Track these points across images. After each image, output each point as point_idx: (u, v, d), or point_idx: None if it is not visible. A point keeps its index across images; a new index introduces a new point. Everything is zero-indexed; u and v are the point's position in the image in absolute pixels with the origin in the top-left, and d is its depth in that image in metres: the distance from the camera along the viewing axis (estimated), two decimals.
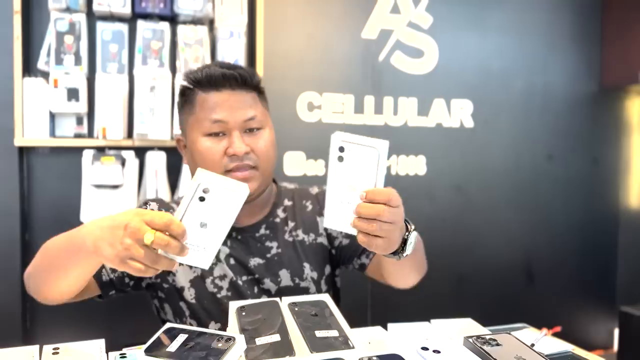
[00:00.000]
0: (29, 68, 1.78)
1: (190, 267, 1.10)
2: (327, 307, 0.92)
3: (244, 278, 1.12)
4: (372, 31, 2.19)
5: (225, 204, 0.70)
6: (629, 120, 2.64)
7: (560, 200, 2.53)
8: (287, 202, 1.21)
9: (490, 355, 0.75)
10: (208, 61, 1.87)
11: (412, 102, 2.25)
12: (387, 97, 2.22)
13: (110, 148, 1.81)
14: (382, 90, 2.22)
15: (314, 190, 1.25)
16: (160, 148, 1.85)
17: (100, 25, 1.80)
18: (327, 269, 1.19)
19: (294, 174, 2.09)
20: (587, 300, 2.62)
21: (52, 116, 1.79)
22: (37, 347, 0.83)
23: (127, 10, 1.77)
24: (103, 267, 1.05)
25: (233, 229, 1.13)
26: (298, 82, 2.10)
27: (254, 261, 1.13)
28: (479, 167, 2.38)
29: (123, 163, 1.79)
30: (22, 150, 1.80)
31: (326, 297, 0.96)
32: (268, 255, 1.13)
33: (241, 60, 1.89)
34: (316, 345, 0.79)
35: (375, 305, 2.22)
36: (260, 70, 1.94)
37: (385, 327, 0.96)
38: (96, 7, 1.75)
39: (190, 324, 1.11)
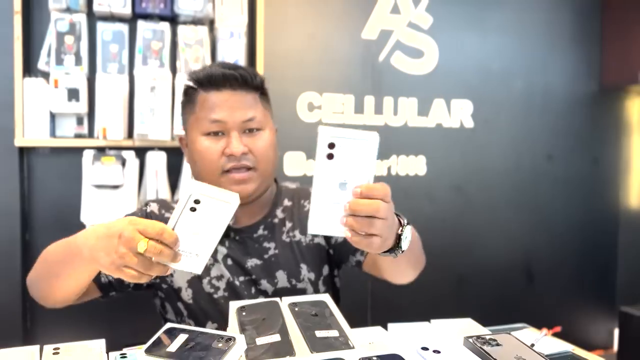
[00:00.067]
0: (30, 68, 1.78)
1: None
2: (327, 307, 0.92)
3: (241, 279, 1.12)
4: (372, 31, 2.20)
5: (216, 214, 0.72)
6: (629, 120, 2.64)
7: (560, 201, 2.53)
8: (286, 202, 1.20)
9: (490, 356, 0.75)
10: (208, 61, 1.87)
11: (412, 102, 2.25)
12: (387, 97, 2.22)
13: (111, 148, 1.81)
14: (382, 90, 2.22)
15: None
16: (161, 148, 1.85)
17: (100, 26, 1.80)
18: (325, 270, 1.18)
19: (294, 174, 2.10)
20: (587, 300, 2.62)
21: (53, 116, 1.79)
22: (37, 347, 0.83)
23: (127, 11, 1.77)
24: None
25: (231, 229, 1.13)
26: (298, 82, 2.11)
27: (252, 262, 1.12)
28: (478, 167, 2.38)
29: (123, 163, 1.79)
30: (23, 151, 1.80)
31: (326, 297, 0.96)
32: (265, 256, 1.13)
33: (241, 61, 1.89)
34: (316, 345, 0.79)
35: (376, 305, 2.22)
36: (260, 70, 1.94)
37: (385, 327, 0.97)
38: (96, 8, 1.75)
39: (189, 324, 1.11)
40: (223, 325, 1.04)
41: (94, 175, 1.76)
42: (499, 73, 2.39)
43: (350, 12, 2.16)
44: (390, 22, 2.21)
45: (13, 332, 1.79)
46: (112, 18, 1.82)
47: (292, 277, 1.13)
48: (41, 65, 1.78)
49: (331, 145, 0.71)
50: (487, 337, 0.82)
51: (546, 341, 0.98)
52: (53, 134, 1.80)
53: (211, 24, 1.91)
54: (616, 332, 2.53)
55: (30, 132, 1.75)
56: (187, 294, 1.11)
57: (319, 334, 0.82)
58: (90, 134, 1.84)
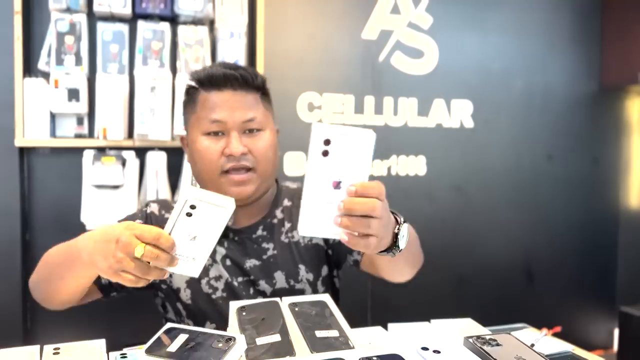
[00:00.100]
0: (30, 68, 1.78)
1: None
2: (327, 307, 0.92)
3: (240, 279, 1.11)
4: (372, 31, 2.20)
5: (212, 218, 0.72)
6: (629, 120, 2.64)
7: (560, 201, 2.53)
8: (286, 203, 1.20)
9: (490, 356, 0.75)
10: (208, 62, 1.87)
11: (412, 102, 2.26)
12: (387, 98, 2.22)
13: (111, 148, 1.81)
14: (382, 90, 2.22)
15: None
16: (161, 148, 1.85)
17: (100, 26, 1.80)
18: (324, 270, 1.17)
19: (294, 174, 2.10)
20: (587, 300, 2.62)
21: (53, 116, 1.80)
22: (37, 347, 0.83)
23: (127, 11, 1.77)
24: None
25: (230, 230, 1.13)
26: (298, 83, 2.11)
27: (250, 262, 1.12)
28: (478, 168, 2.38)
29: (123, 163, 1.79)
30: (23, 151, 1.80)
31: (326, 297, 0.96)
32: (264, 257, 1.13)
33: (241, 61, 1.90)
34: (316, 345, 0.79)
35: (376, 305, 2.22)
36: (260, 70, 1.94)
37: (385, 327, 0.97)
38: (97, 8, 1.75)
39: (188, 324, 1.11)
40: (221, 325, 1.04)
41: (94, 176, 1.76)
42: (499, 73, 2.39)
43: (350, 12, 2.17)
44: (390, 22, 2.21)
45: (13, 332, 1.79)
46: (112, 18, 1.82)
47: (291, 278, 1.13)
48: (41, 65, 1.78)
49: (327, 142, 0.68)
50: (487, 337, 0.82)
51: (546, 341, 0.98)
52: (53, 134, 1.80)
53: (211, 24, 1.91)
54: (616, 332, 2.53)
55: (31, 132, 1.75)
56: (185, 295, 1.11)
57: (319, 334, 0.82)
58: (91, 134, 1.85)
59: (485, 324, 0.98)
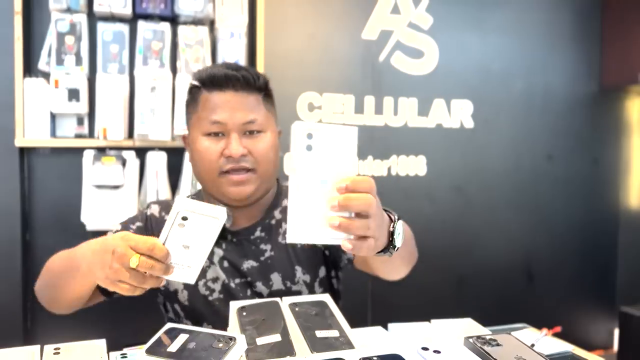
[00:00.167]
0: (30, 68, 1.78)
1: None
2: (327, 307, 0.92)
3: (237, 281, 1.11)
4: (372, 32, 2.20)
5: (204, 229, 0.73)
6: (629, 120, 2.64)
7: (560, 201, 2.53)
8: (285, 203, 1.19)
9: (491, 356, 0.75)
10: (209, 62, 1.87)
11: (412, 102, 2.26)
12: (387, 98, 2.22)
13: (111, 148, 1.81)
14: (382, 90, 2.22)
15: None
16: (161, 148, 1.85)
17: (101, 26, 1.80)
18: (322, 272, 1.16)
19: None
20: (587, 300, 2.62)
21: (53, 116, 1.80)
22: (38, 347, 0.83)
23: (127, 11, 1.77)
24: None
25: (228, 232, 1.12)
26: (298, 83, 2.11)
27: (248, 264, 1.12)
28: (479, 168, 2.38)
29: (124, 163, 1.79)
30: (23, 151, 1.80)
31: (326, 297, 0.96)
32: (262, 258, 1.13)
33: (241, 61, 1.90)
34: (317, 345, 0.79)
35: (376, 305, 2.22)
36: (260, 70, 1.94)
37: (385, 327, 0.97)
38: (97, 8, 1.75)
39: (187, 325, 1.11)
40: (219, 327, 1.04)
41: (95, 176, 1.76)
42: (499, 73, 2.39)
43: (350, 12, 2.17)
44: (390, 23, 2.21)
45: (13, 332, 1.79)
46: (113, 18, 1.82)
47: (287, 280, 1.12)
48: (42, 65, 1.78)
49: (309, 136, 0.65)
50: (488, 337, 0.82)
51: (546, 341, 0.98)
52: (53, 134, 1.80)
53: (211, 24, 1.91)
54: (616, 332, 2.53)
55: (31, 133, 1.75)
56: (183, 296, 1.12)
57: (320, 334, 0.82)
58: (91, 134, 1.85)
59: (485, 324, 0.98)
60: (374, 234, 0.68)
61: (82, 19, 1.77)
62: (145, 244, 0.73)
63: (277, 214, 1.17)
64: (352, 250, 0.67)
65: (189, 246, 0.74)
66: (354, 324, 0.90)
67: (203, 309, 1.11)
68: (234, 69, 1.07)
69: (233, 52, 1.89)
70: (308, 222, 0.65)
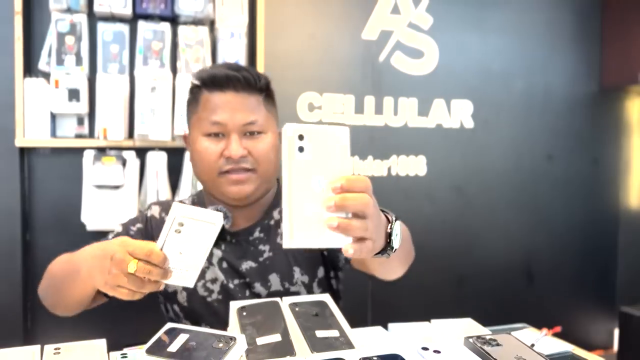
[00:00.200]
0: (30, 68, 1.78)
1: None
2: (327, 307, 0.92)
3: (235, 282, 1.11)
4: (372, 32, 2.20)
5: (200, 234, 0.74)
6: (629, 120, 2.64)
7: (560, 201, 2.53)
8: None
9: (491, 356, 0.75)
10: (209, 62, 1.87)
11: (412, 102, 2.26)
12: (387, 98, 2.23)
13: (111, 148, 1.81)
14: (383, 90, 2.22)
15: None
16: (161, 148, 1.86)
17: (101, 26, 1.80)
18: (321, 272, 1.16)
19: None
20: (587, 300, 2.62)
21: (53, 117, 1.80)
22: (38, 347, 0.83)
23: (128, 11, 1.77)
24: None
25: (228, 233, 1.12)
26: (298, 83, 2.11)
27: (247, 264, 1.12)
28: (479, 168, 2.38)
29: (124, 163, 1.79)
30: (23, 151, 1.80)
31: (327, 297, 0.96)
32: (260, 259, 1.12)
33: (242, 61, 1.90)
34: (317, 345, 0.79)
35: (376, 305, 2.22)
36: (260, 70, 1.94)
37: (385, 327, 0.97)
38: (97, 8, 1.75)
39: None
40: (217, 327, 1.04)
41: (95, 176, 1.76)
42: (499, 73, 2.39)
43: (350, 13, 2.17)
44: (390, 23, 2.21)
45: (14, 331, 1.79)
46: (113, 18, 1.82)
47: (285, 280, 1.12)
48: (42, 65, 1.78)
49: (300, 137, 0.62)
50: (488, 337, 0.82)
51: (546, 341, 0.98)
52: (54, 134, 1.81)
53: (212, 24, 1.91)
54: (616, 332, 2.54)
55: (31, 133, 1.75)
56: (182, 297, 1.12)
57: (320, 334, 0.82)
58: (91, 134, 1.85)
59: (485, 324, 0.98)
60: (372, 235, 0.66)
61: (82, 19, 1.77)
62: (143, 249, 0.73)
63: (276, 214, 1.17)
64: (352, 255, 0.65)
65: (187, 251, 0.75)
66: (354, 324, 0.90)
67: (202, 310, 1.11)
68: (235, 70, 1.07)
69: (233, 52, 1.89)
70: (304, 226, 0.62)
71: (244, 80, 1.05)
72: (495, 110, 2.39)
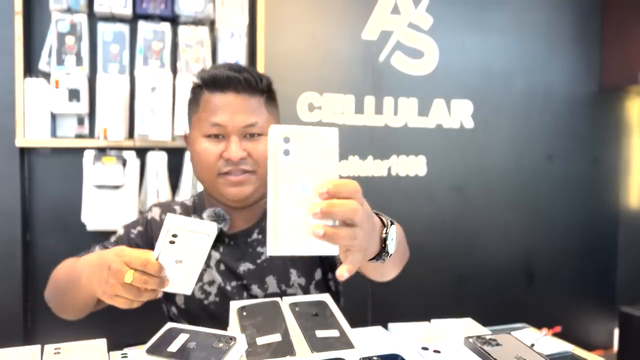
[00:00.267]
0: (30, 69, 1.78)
1: None
2: (327, 307, 0.92)
3: (233, 284, 1.11)
4: (372, 32, 2.20)
5: (195, 245, 0.75)
6: (629, 120, 2.64)
7: (560, 201, 2.53)
8: None
9: (491, 355, 0.75)
10: (209, 62, 1.88)
11: (413, 102, 2.26)
12: (388, 98, 2.23)
13: (111, 148, 1.81)
14: (383, 90, 2.22)
15: None
16: (161, 148, 1.86)
17: (101, 26, 1.80)
18: (318, 274, 1.16)
19: None
20: (587, 300, 2.62)
21: (53, 117, 1.80)
22: (38, 346, 0.83)
23: (128, 11, 1.78)
24: None
25: (226, 235, 1.12)
26: (298, 83, 2.11)
27: (244, 266, 1.11)
28: (479, 168, 2.38)
29: (124, 163, 1.79)
30: (23, 151, 1.80)
31: (327, 297, 0.96)
32: (258, 261, 1.12)
33: (242, 61, 1.90)
34: (317, 345, 0.79)
35: (376, 305, 2.22)
36: (260, 71, 1.94)
37: (385, 327, 0.97)
38: (97, 8, 1.75)
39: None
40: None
41: (95, 176, 1.76)
42: (499, 73, 2.39)
43: (350, 13, 2.17)
44: (390, 23, 2.21)
45: (14, 331, 1.79)
46: (113, 18, 1.82)
47: (282, 283, 1.12)
48: (42, 65, 1.78)
49: (286, 140, 0.60)
50: (488, 337, 0.82)
51: (546, 341, 0.98)
52: (54, 134, 1.81)
53: (212, 24, 1.91)
54: (616, 332, 2.54)
55: (31, 133, 1.75)
56: (179, 299, 1.12)
57: (320, 334, 0.82)
58: (91, 134, 1.85)
59: (485, 324, 0.99)
60: (362, 244, 0.62)
61: (82, 19, 1.77)
62: (139, 259, 0.74)
63: None
64: (348, 277, 0.63)
65: (182, 261, 0.76)
66: (354, 324, 0.90)
67: (199, 312, 1.11)
68: (236, 71, 1.06)
69: (233, 53, 1.89)
70: (289, 233, 0.59)
71: (245, 81, 1.05)
72: (496, 110, 2.39)
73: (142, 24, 1.82)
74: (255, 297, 1.10)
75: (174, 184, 1.90)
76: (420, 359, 0.76)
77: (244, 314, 0.89)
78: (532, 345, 0.92)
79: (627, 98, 2.63)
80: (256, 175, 1.06)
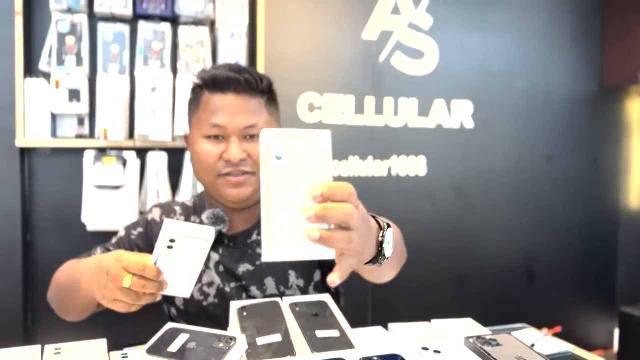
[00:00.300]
0: (30, 69, 1.78)
1: None
2: (327, 307, 0.92)
3: (232, 285, 1.11)
4: (372, 32, 2.20)
5: (192, 249, 0.75)
6: (629, 120, 2.64)
7: (560, 201, 2.53)
8: None
9: (491, 355, 0.75)
10: (209, 62, 1.87)
11: (413, 102, 2.26)
12: (388, 98, 2.23)
13: (112, 149, 1.81)
14: (383, 90, 2.22)
15: None
16: (162, 149, 1.86)
17: (101, 26, 1.81)
18: (317, 275, 1.15)
19: None
20: (587, 300, 2.63)
21: (54, 117, 1.80)
22: (38, 346, 0.83)
23: (128, 11, 1.78)
24: None
25: (225, 236, 1.12)
26: (298, 83, 2.11)
27: (243, 267, 1.11)
28: (479, 168, 2.38)
29: (124, 164, 1.79)
30: (24, 151, 1.80)
31: (327, 297, 0.96)
32: (257, 262, 1.12)
33: (242, 61, 1.90)
34: (317, 345, 0.79)
35: (376, 305, 2.22)
36: (260, 71, 1.94)
37: (385, 327, 0.97)
38: (97, 8, 1.75)
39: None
40: None
41: (95, 176, 1.76)
42: (499, 73, 2.39)
43: (350, 13, 2.17)
44: (390, 23, 2.21)
45: (14, 331, 1.79)
46: (113, 19, 1.82)
47: (280, 284, 1.11)
48: (42, 65, 1.78)
49: (278, 143, 0.59)
50: (488, 337, 0.82)
51: (546, 341, 0.98)
52: (54, 134, 1.81)
53: (212, 24, 1.91)
54: (616, 332, 2.54)
55: (31, 133, 1.75)
56: (178, 300, 1.12)
57: (320, 333, 0.82)
58: (91, 135, 1.85)
59: (485, 324, 0.99)
60: (357, 247, 0.62)
61: (82, 20, 1.77)
62: (137, 264, 0.74)
63: None
64: (339, 283, 0.62)
65: (180, 264, 0.76)
66: (354, 324, 0.90)
67: (197, 313, 1.11)
68: (236, 71, 1.05)
69: (233, 53, 1.89)
70: (284, 238, 0.59)
71: (245, 82, 1.04)
72: (496, 110, 2.39)
73: (142, 24, 1.82)
74: (254, 298, 1.10)
75: (174, 184, 1.90)
76: (420, 359, 0.76)
77: (244, 314, 0.89)
78: (532, 345, 0.92)
79: (627, 98, 2.63)
80: (256, 176, 1.06)
